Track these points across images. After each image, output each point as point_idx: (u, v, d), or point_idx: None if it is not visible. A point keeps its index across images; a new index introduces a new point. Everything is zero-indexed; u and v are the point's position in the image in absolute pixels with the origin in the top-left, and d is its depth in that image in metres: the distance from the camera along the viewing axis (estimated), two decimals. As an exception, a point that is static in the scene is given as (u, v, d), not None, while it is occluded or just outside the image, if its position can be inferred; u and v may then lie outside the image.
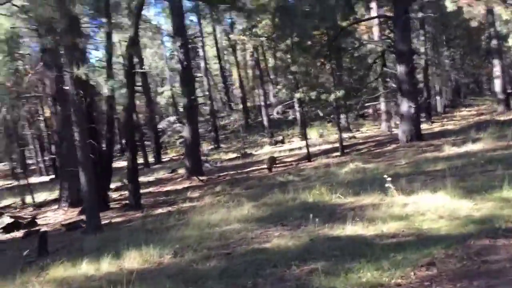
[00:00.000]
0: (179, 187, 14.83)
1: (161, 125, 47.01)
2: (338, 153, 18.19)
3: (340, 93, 16.24)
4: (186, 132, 16.90)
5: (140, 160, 32.13)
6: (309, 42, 17.77)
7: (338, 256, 4.94)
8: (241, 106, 43.01)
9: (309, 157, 17.59)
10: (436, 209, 6.42)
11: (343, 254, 4.99)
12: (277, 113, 31.53)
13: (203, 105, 41.87)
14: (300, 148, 24.95)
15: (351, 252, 5.01)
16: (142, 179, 20.42)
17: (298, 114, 31.84)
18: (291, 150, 24.32)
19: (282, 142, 30.93)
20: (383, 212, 6.63)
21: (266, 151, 27.45)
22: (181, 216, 8.33)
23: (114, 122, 18.51)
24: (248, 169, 17.61)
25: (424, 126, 26.94)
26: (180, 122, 18.63)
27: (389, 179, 7.31)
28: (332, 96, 16.31)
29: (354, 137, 26.10)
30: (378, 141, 19.41)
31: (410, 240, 5.22)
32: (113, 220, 9.75)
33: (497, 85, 28.91)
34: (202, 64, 37.01)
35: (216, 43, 42.85)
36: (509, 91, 29.84)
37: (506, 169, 8.73)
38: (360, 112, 37.09)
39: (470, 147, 13.01)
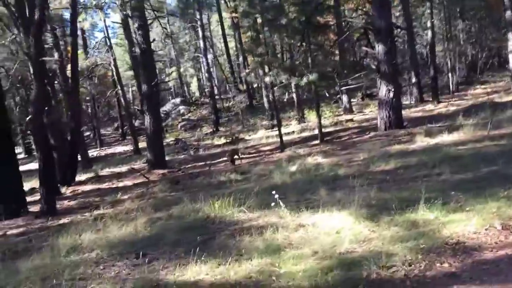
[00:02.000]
0: (130, 183, 13.73)
1: (166, 107, 46.15)
2: (317, 141, 16.78)
3: (313, 76, 14.73)
4: (146, 122, 15.68)
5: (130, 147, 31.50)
6: (284, 20, 16.19)
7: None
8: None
9: (282, 147, 16.26)
10: (325, 237, 5.12)
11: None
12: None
13: (205, 88, 40.70)
14: (292, 132, 23.65)
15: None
16: (116, 169, 19.52)
17: (294, 96, 30.30)
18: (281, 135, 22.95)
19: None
20: (263, 240, 5.33)
21: (259, 135, 26.20)
22: (66, 231, 7.18)
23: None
24: (218, 160, 16.41)
25: (429, 107, 25.25)
26: (140, 111, 17.33)
27: (276, 196, 5.99)
28: (304, 80, 14.84)
29: (352, 120, 24.45)
30: (364, 128, 17.82)
31: (241, 298, 3.95)
32: (9, 232, 8.70)
33: (512, 61, 26.67)
34: (201, 44, 35.57)
35: (221, 21, 41.16)
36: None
37: (453, 173, 7.33)
38: (367, 92, 35.23)
39: (444, 138, 11.49)
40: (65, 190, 14.68)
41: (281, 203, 6.00)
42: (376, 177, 8.00)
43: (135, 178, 15.02)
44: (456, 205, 5.49)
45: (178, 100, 46.22)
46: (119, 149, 32.16)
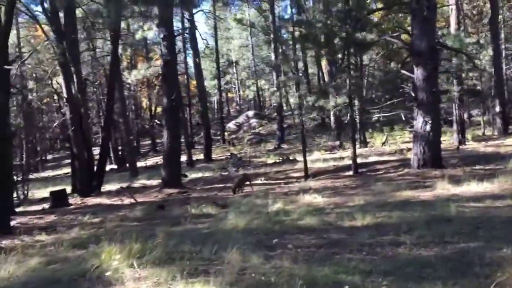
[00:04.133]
0: (129, 201, 12.99)
1: (239, 119, 45.82)
2: (350, 172, 14.97)
3: (340, 99, 13.09)
4: (164, 137, 14.89)
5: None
6: (322, 36, 14.74)
7: None
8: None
9: (306, 176, 14.68)
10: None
11: None
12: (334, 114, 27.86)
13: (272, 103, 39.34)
14: (342, 158, 21.76)
15: None
16: (149, 181, 19.04)
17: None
18: (330, 160, 21.18)
19: (340, 147, 27.56)
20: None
21: (312, 158, 24.56)
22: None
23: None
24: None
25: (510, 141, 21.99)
26: (159, 124, 16.60)
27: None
28: (331, 103, 13.24)
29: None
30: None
31: None
32: None
33: None
34: (273, 57, 34.51)
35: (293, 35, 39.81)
36: None
37: (417, 244, 5.60)
38: (448, 117, 31.87)
39: (470, 187, 9.35)
40: (76, 201, 14.40)
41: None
42: (331, 237, 6.38)
43: (147, 195, 14.36)
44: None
45: (251, 113, 45.69)
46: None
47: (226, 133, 43.74)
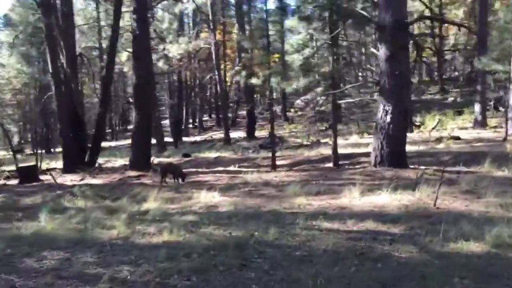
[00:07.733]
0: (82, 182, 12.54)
1: (308, 96, 43.78)
2: (330, 164, 13.20)
3: (302, 82, 11.47)
4: (134, 117, 14.09)
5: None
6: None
7: None
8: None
9: (273, 167, 13.17)
10: None
11: None
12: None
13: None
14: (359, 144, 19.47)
15: None
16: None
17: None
18: (348, 146, 19.14)
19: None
20: None
21: (345, 142, 22.61)
22: None
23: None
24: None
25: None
26: (129, 102, 15.82)
27: None
28: (293, 86, 11.68)
29: (457, 139, 19.06)
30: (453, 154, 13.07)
31: None
32: None
33: None
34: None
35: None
36: None
37: None
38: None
39: (376, 199, 7.47)
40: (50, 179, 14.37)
41: None
42: (78, 259, 5.20)
43: (111, 176, 13.90)
44: None
45: (320, 89, 43.33)
46: (218, 135, 31.86)
47: (293, 110, 42.35)
